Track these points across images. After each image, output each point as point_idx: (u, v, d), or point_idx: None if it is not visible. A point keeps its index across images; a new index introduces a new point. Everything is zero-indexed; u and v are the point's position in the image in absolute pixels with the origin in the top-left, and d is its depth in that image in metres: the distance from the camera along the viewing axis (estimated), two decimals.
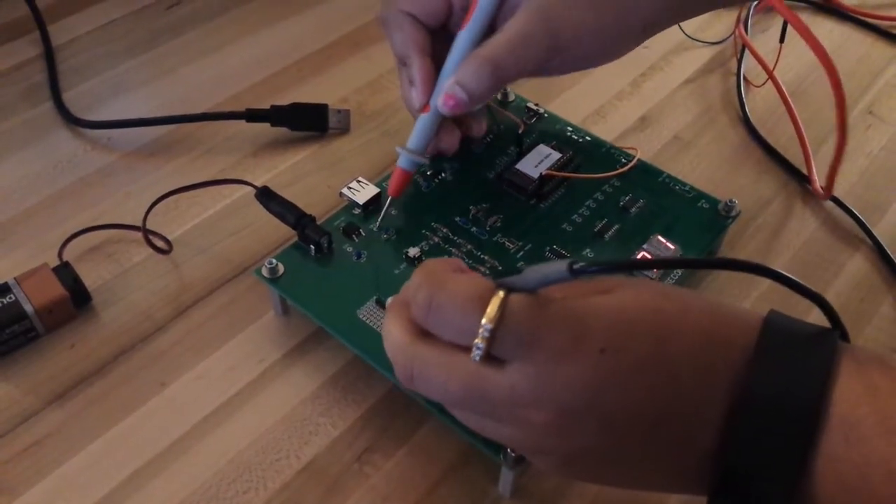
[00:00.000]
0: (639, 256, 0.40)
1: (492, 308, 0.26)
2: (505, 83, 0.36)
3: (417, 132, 0.39)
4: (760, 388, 0.26)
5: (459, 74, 0.36)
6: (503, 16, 0.37)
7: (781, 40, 0.51)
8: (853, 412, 0.25)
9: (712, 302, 0.28)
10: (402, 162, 0.40)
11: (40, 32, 0.55)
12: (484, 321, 0.26)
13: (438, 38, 0.39)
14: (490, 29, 0.37)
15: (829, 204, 0.46)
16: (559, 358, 0.26)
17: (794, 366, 0.26)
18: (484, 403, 0.27)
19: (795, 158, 0.49)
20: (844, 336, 0.28)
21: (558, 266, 0.25)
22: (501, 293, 0.26)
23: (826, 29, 0.60)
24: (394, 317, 0.29)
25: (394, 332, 0.29)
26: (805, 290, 0.27)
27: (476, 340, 0.26)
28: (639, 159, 0.45)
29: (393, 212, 0.41)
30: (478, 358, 0.26)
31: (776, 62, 0.52)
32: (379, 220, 0.41)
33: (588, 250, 0.40)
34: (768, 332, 0.27)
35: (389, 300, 0.33)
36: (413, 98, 0.38)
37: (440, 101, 0.36)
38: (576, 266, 0.25)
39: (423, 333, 0.28)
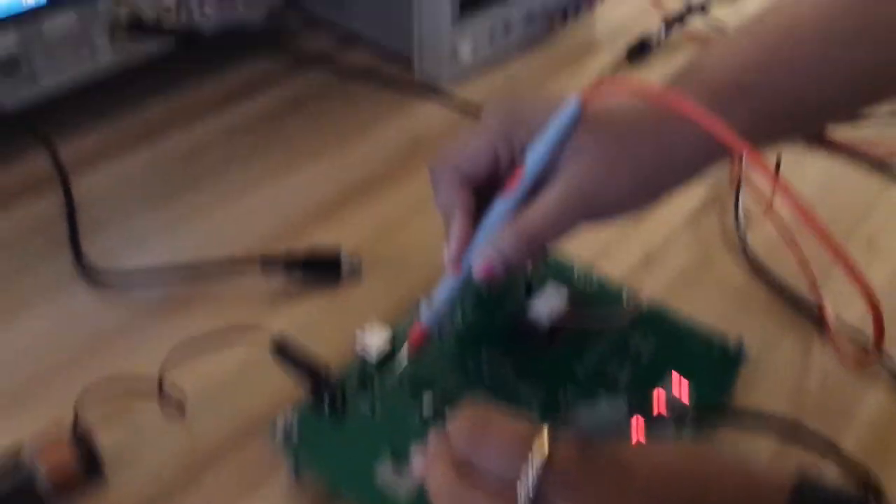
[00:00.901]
0: (654, 396, 0.40)
1: (540, 450, 0.26)
2: (540, 251, 0.38)
3: (441, 294, 0.40)
4: None
5: (497, 243, 0.37)
6: (544, 179, 0.37)
7: (776, 172, 0.53)
8: None
9: (744, 460, 0.30)
10: (424, 318, 0.40)
11: (62, 185, 0.56)
12: (535, 460, 0.26)
13: (481, 191, 0.39)
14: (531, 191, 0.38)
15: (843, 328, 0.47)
16: None
17: None
18: None
19: (804, 291, 0.49)
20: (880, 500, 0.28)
21: (617, 414, 0.27)
22: (547, 435, 0.27)
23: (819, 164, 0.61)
24: (436, 455, 0.30)
25: (438, 471, 0.29)
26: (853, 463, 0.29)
27: (523, 481, 0.26)
28: (646, 301, 0.45)
29: (405, 363, 0.41)
30: (525, 502, 0.27)
31: (773, 193, 0.53)
32: (394, 375, 0.41)
33: (602, 390, 0.41)
34: (798, 500, 0.27)
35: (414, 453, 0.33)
36: (445, 255, 0.39)
37: (475, 267, 0.37)
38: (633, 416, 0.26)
39: (467, 473, 0.28)
